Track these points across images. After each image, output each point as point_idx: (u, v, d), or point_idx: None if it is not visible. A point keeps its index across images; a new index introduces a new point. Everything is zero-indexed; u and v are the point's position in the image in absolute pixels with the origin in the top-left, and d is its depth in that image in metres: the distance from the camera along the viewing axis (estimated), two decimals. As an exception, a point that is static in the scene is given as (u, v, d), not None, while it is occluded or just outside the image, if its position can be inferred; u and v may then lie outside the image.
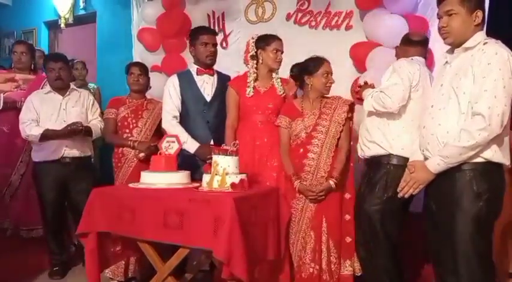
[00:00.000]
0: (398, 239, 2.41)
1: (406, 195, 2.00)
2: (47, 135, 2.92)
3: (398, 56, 2.59)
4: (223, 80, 2.89)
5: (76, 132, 2.92)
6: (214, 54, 2.85)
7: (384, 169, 2.36)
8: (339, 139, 2.53)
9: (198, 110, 2.82)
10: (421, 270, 2.81)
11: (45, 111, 3.01)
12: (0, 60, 5.53)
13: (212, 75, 2.89)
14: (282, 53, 2.69)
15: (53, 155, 2.98)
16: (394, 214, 2.35)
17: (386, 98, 2.29)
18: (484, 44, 1.84)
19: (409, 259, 2.62)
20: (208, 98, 2.84)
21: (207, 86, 2.86)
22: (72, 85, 3.18)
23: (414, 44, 2.52)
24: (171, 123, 2.81)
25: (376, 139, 2.39)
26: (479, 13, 1.87)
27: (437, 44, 2.88)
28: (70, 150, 2.99)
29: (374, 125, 2.42)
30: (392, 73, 2.35)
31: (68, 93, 3.08)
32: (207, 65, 2.86)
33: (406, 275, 2.50)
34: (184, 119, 2.84)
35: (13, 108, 3.57)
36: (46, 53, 4.64)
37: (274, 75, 2.73)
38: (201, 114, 2.82)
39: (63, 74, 3.04)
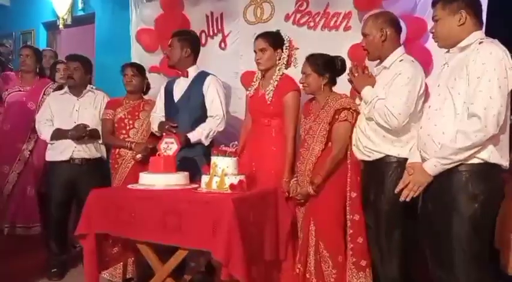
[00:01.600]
0: (412, 239, 2.32)
1: (408, 199, 1.98)
2: (56, 135, 3.05)
3: (383, 41, 2.33)
4: (199, 81, 2.90)
5: (78, 137, 3.00)
6: (169, 57, 2.96)
7: (394, 169, 2.28)
8: (327, 142, 2.49)
9: (168, 112, 2.94)
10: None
11: (59, 112, 3.13)
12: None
13: (187, 77, 2.93)
14: (265, 52, 2.68)
15: (61, 156, 3.06)
16: (408, 212, 2.24)
17: (393, 118, 2.19)
18: (480, 43, 1.84)
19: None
20: (175, 100, 2.92)
21: (180, 88, 2.93)
22: (88, 87, 3.23)
23: (401, 31, 2.42)
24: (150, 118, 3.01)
25: (382, 149, 2.30)
26: (464, 13, 1.87)
27: (436, 46, 2.88)
28: (78, 152, 3.06)
29: (379, 134, 2.31)
30: (407, 84, 2.21)
31: (82, 94, 3.17)
32: (169, 67, 3.03)
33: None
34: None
35: (16, 108, 3.68)
36: (56, 53, 4.70)
37: (274, 77, 2.70)
38: (170, 116, 2.90)
39: (76, 74, 3.12)
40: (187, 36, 2.99)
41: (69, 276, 3.11)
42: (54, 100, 3.20)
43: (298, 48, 2.78)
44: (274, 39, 2.71)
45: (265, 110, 2.69)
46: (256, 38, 2.75)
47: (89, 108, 3.15)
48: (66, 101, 3.16)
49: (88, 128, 3.03)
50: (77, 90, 3.17)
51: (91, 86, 3.29)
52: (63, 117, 3.11)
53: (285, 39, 2.72)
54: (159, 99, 3.02)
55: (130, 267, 2.86)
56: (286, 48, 2.71)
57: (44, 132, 3.10)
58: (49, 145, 3.13)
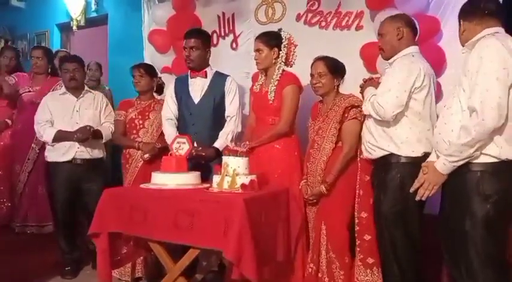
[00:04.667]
0: (421, 241, 2.29)
1: (423, 198, 1.98)
2: (59, 137, 3.00)
3: (399, 39, 2.34)
4: (219, 81, 2.89)
5: (83, 139, 2.97)
6: (190, 58, 2.85)
7: (395, 168, 2.28)
8: (337, 141, 2.50)
9: (187, 113, 2.88)
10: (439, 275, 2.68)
11: (58, 113, 3.07)
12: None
13: (205, 77, 2.90)
14: (261, 52, 2.69)
15: (64, 156, 3.03)
16: (414, 213, 2.25)
17: (380, 107, 2.23)
18: (483, 37, 1.85)
19: (427, 264, 2.40)
20: (196, 101, 2.87)
21: (197, 88, 2.89)
22: (86, 87, 3.22)
23: (416, 32, 2.42)
24: (163, 123, 2.93)
25: (382, 145, 2.31)
26: (461, 21, 1.98)
27: (449, 45, 2.86)
28: (81, 152, 3.03)
29: (379, 129, 2.33)
30: (396, 75, 2.26)
31: (82, 95, 3.14)
32: (191, 69, 2.90)
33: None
34: (178, 122, 2.92)
35: (26, 108, 3.72)
36: (70, 54, 4.71)
37: (274, 76, 2.69)
38: (188, 117, 2.87)
39: (77, 74, 3.10)
40: (208, 37, 3.02)
41: (82, 274, 3.13)
42: (53, 101, 3.12)
43: (297, 45, 2.75)
44: (269, 39, 2.71)
45: (268, 108, 2.70)
46: (255, 39, 2.78)
47: (89, 109, 3.12)
48: (66, 102, 3.10)
49: (92, 129, 3.01)
50: (76, 90, 3.12)
51: (87, 86, 3.27)
52: (64, 118, 3.05)
53: (284, 37, 2.70)
54: (172, 102, 2.94)
55: (139, 266, 2.88)
56: (284, 47, 2.69)
57: (46, 134, 3.01)
58: (49, 146, 3.08)
